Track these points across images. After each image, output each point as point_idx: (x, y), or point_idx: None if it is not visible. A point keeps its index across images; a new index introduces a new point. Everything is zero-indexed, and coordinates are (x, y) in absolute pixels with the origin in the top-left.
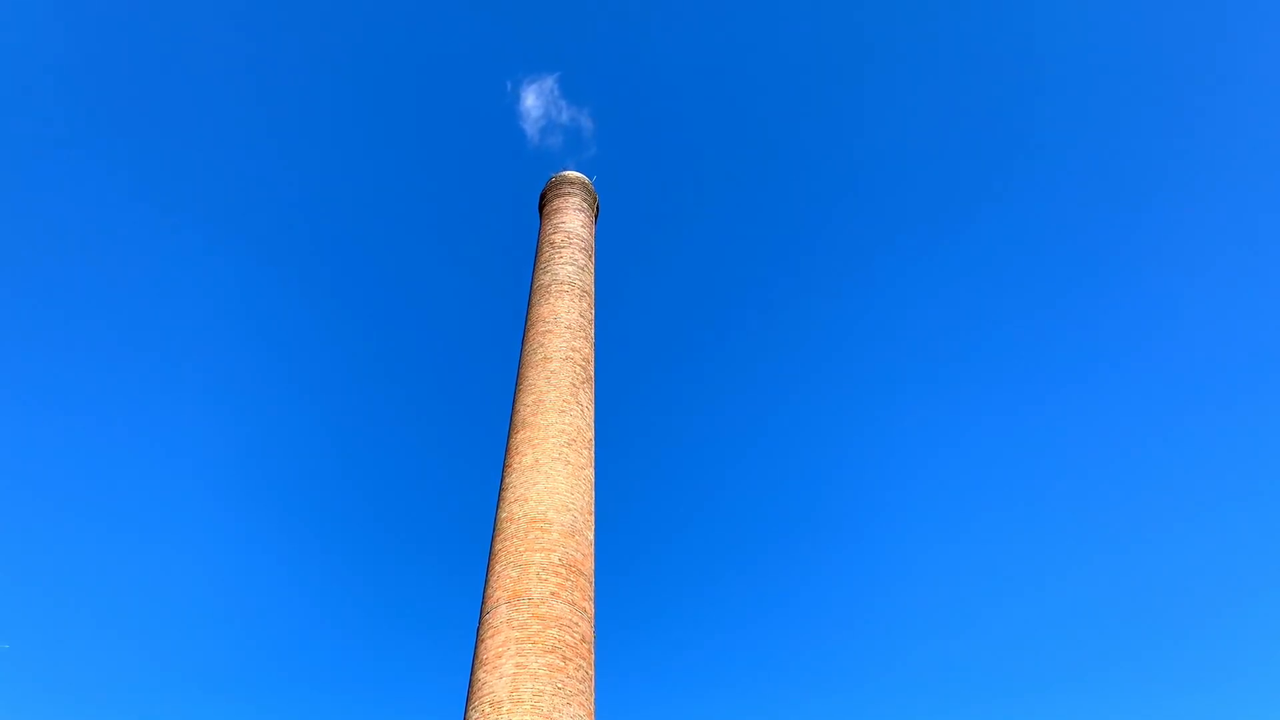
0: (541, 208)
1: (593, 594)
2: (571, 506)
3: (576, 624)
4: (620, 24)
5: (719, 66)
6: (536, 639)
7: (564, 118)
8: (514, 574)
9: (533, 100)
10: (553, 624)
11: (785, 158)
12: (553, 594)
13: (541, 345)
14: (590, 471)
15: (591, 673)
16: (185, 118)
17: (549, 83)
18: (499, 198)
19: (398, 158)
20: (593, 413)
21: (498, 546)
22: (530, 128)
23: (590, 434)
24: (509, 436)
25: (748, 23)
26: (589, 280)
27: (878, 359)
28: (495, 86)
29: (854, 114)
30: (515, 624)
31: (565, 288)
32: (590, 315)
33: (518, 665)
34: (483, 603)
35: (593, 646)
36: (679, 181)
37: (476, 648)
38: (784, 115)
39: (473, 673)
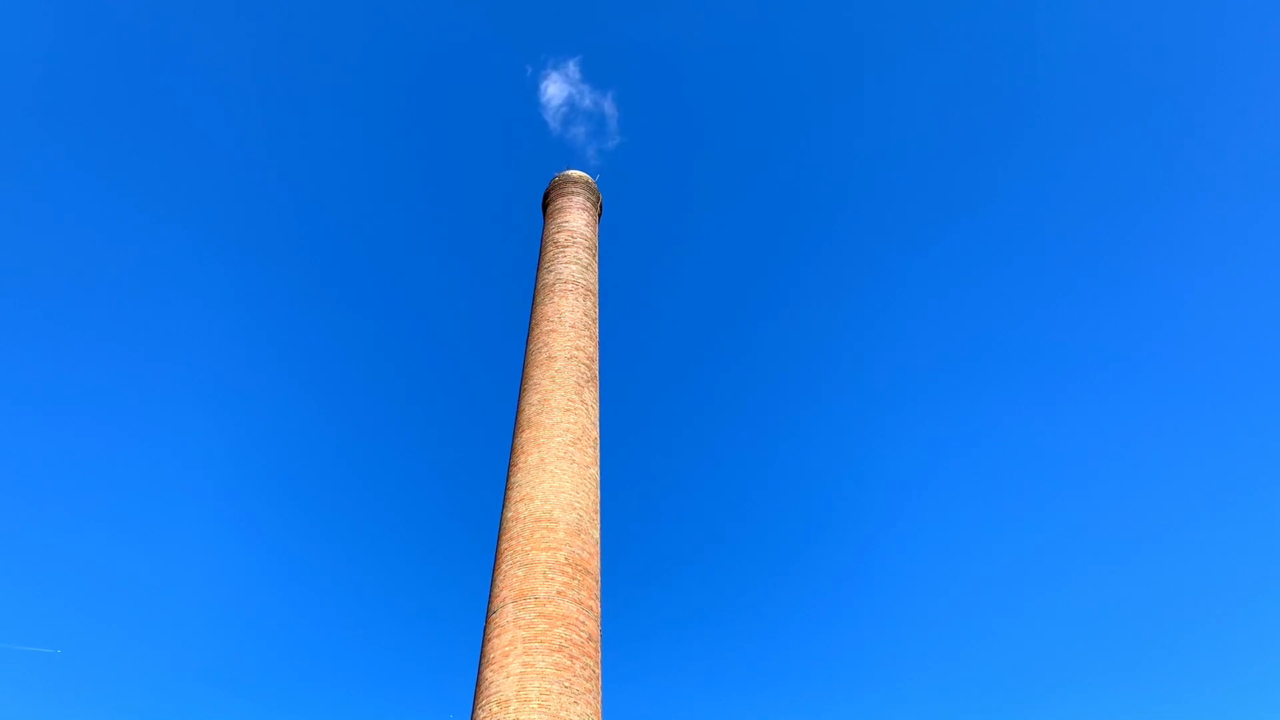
0: (545, 207)
1: (599, 592)
2: (577, 505)
3: (583, 622)
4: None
5: (743, 53)
6: (543, 638)
7: (586, 102)
8: (520, 573)
9: (554, 88)
10: (559, 623)
11: (798, 156)
12: (559, 593)
13: (546, 344)
14: (596, 470)
15: (598, 671)
16: (192, 114)
17: (570, 66)
18: (512, 192)
19: (408, 151)
20: (598, 411)
21: (504, 545)
22: (551, 116)
23: (595, 433)
24: (514, 435)
25: (770, 9)
26: (593, 279)
27: (886, 358)
28: (515, 71)
29: (870, 114)
30: (522, 623)
31: (569, 286)
32: (594, 314)
33: (524, 664)
34: (489, 601)
35: (599, 645)
36: (693, 175)
37: (483, 647)
38: (801, 114)
39: (480, 671)
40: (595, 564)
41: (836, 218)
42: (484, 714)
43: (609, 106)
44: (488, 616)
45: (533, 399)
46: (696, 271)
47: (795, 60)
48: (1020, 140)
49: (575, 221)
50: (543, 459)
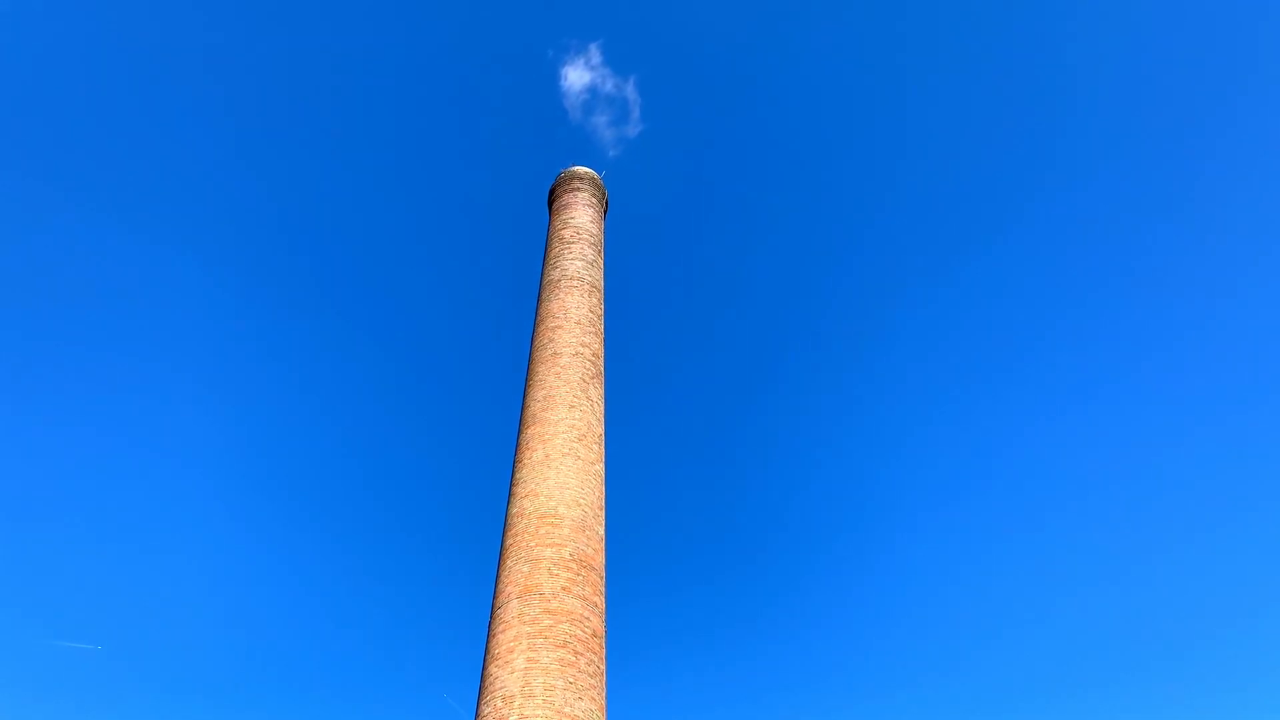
0: (551, 203)
1: (604, 589)
2: (582, 501)
3: (588, 619)
4: None
5: (772, 39)
6: (548, 634)
7: (608, 88)
8: (525, 569)
9: (575, 73)
10: (564, 619)
11: (820, 151)
12: (564, 589)
13: (551, 341)
14: (601, 466)
15: (603, 667)
16: (199, 103)
17: (592, 51)
18: (530, 183)
19: (420, 141)
20: (603, 408)
21: (509, 542)
22: (571, 103)
23: (600, 429)
24: (519, 432)
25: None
26: (598, 275)
27: (897, 361)
28: (535, 56)
29: (892, 113)
30: (527, 619)
31: (575, 283)
32: (600, 310)
33: (529, 660)
34: (494, 597)
35: (604, 641)
36: (715, 166)
37: (488, 643)
38: (827, 106)
39: (484, 667)
40: (600, 560)
41: (854, 218)
42: (489, 709)
43: (631, 93)
44: (492, 612)
45: (538, 395)
46: (713, 265)
47: (826, 48)
48: (1035, 152)
49: (581, 218)
50: (547, 455)
